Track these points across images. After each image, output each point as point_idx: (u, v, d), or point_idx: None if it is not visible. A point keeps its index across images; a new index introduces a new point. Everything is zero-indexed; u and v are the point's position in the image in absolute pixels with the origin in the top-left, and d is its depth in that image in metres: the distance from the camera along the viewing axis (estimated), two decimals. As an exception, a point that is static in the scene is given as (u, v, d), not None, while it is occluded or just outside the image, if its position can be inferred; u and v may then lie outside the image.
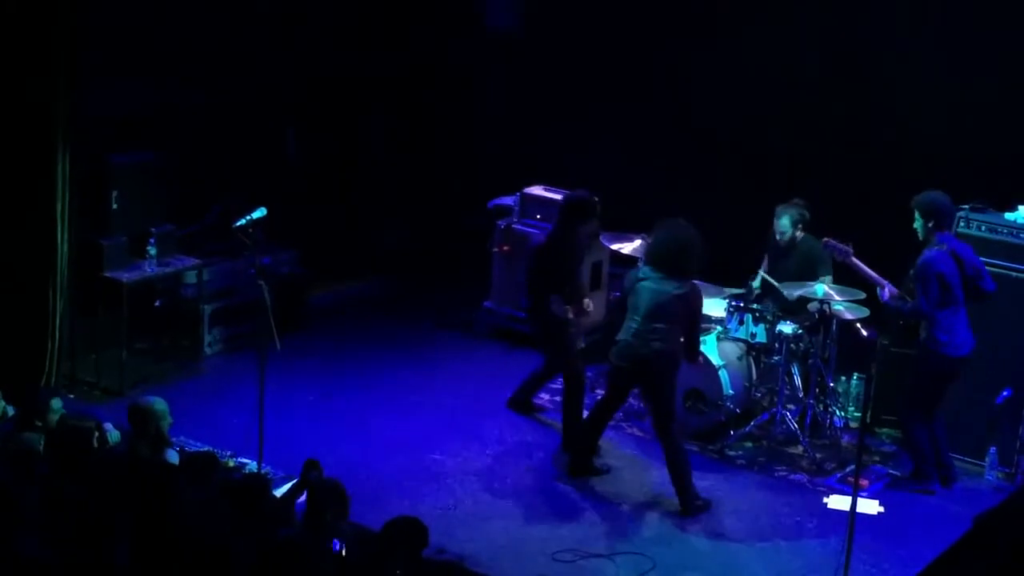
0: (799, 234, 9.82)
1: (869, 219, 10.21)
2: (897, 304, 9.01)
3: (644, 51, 11.83)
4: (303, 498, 7.05)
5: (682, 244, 8.74)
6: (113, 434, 8.07)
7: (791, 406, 9.72)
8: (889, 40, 10.72)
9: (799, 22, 11.06)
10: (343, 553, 6.58)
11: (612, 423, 9.63)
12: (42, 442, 7.58)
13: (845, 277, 9.52)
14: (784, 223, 9.80)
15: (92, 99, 9.71)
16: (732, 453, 9.65)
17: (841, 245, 9.22)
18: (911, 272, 9.13)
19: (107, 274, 9.96)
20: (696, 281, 9.40)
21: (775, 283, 9.79)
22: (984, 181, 9.77)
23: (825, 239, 9.43)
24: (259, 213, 8.79)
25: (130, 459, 7.37)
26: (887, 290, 9.04)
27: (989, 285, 9.00)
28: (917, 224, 8.93)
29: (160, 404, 7.67)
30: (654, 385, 8.91)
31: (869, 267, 9.13)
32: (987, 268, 9.08)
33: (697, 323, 8.93)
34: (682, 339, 8.79)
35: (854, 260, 9.18)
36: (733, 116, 11.41)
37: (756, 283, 10.05)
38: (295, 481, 7.55)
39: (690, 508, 8.76)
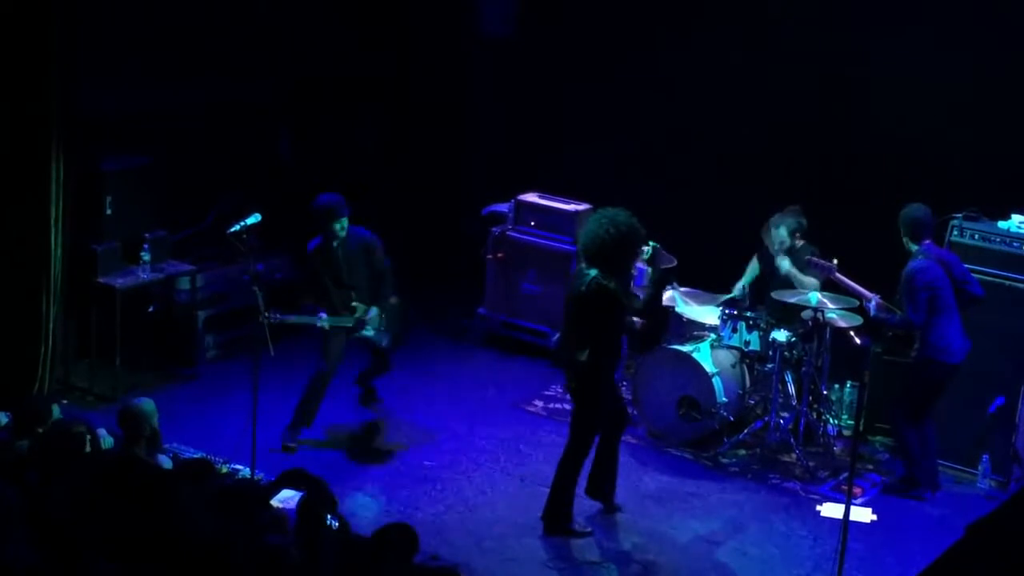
0: (798, 243, 9.81)
1: (861, 228, 10.21)
2: (885, 316, 9.03)
3: (638, 57, 11.83)
4: (294, 504, 7.04)
5: (604, 237, 8.12)
6: (107, 440, 8.06)
7: (784, 414, 9.72)
8: (882, 49, 10.72)
9: (793, 30, 11.07)
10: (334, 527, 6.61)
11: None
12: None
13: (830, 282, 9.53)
14: (782, 233, 9.77)
15: (86, 103, 9.70)
16: (725, 461, 9.66)
17: (824, 262, 9.24)
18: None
19: (100, 280, 9.95)
20: (682, 288, 9.42)
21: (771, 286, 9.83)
22: (977, 190, 9.78)
23: (807, 257, 9.45)
24: (253, 219, 8.80)
25: (125, 462, 7.35)
26: (874, 303, 9.06)
27: (977, 289, 9.02)
28: (904, 239, 9.00)
29: (149, 404, 7.68)
30: (573, 398, 8.55)
31: (859, 278, 9.16)
32: (981, 277, 9.12)
33: (596, 328, 8.19)
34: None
35: (838, 276, 9.21)
36: (727, 123, 11.40)
37: (736, 292, 10.06)
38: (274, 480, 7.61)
39: (553, 522, 8.52)
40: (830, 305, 9.35)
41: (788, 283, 9.71)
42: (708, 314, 9.95)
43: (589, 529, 8.58)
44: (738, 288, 10.11)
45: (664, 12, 11.63)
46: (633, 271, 8.62)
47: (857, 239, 9.95)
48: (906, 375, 9.19)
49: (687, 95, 11.59)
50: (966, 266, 9.09)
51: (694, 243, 10.44)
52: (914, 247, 8.92)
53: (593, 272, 8.19)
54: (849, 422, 10.08)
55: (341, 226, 9.37)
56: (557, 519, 8.51)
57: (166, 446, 8.76)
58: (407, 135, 12.99)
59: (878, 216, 9.56)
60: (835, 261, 9.23)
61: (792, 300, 9.51)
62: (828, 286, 9.46)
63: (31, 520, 6.58)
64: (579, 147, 12.13)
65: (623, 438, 9.82)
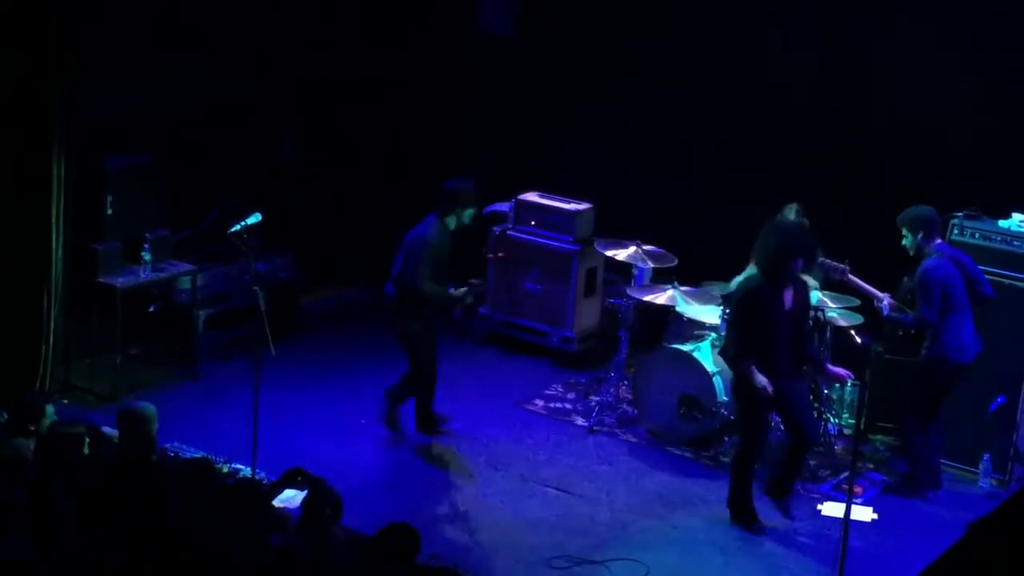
0: None
1: (863, 227, 10.21)
2: (898, 316, 9.03)
3: (639, 55, 11.83)
4: (298, 504, 7.04)
5: (766, 244, 8.57)
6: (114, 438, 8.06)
7: (785, 413, 9.71)
8: (886, 46, 10.73)
9: (797, 27, 11.07)
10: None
11: (606, 429, 9.70)
12: (32, 447, 7.57)
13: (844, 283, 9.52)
14: None
15: (87, 103, 9.71)
16: (726, 460, 9.62)
17: (837, 264, 9.23)
18: (904, 281, 9.14)
19: (101, 279, 9.94)
20: (682, 287, 9.45)
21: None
22: (978, 188, 9.78)
23: (821, 259, 9.45)
24: (254, 218, 8.79)
25: (123, 463, 7.36)
26: (886, 303, 9.05)
27: (988, 290, 9.02)
28: (906, 241, 8.96)
29: (150, 408, 7.69)
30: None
31: (865, 277, 9.15)
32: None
33: (740, 326, 8.61)
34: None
35: (851, 278, 9.19)
36: (730, 120, 11.40)
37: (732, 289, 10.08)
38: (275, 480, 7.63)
39: (734, 512, 8.83)
40: (830, 304, 9.35)
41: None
42: (709, 313, 9.95)
43: (763, 528, 8.69)
44: (735, 284, 10.10)
45: (664, 11, 11.63)
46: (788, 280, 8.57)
47: (857, 238, 9.94)
48: (916, 374, 9.15)
49: (687, 94, 11.59)
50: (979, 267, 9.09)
51: (695, 241, 10.44)
52: (926, 247, 8.89)
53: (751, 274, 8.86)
54: (850, 421, 10.06)
55: (474, 212, 9.56)
56: (736, 511, 8.78)
57: (165, 445, 8.78)
58: (408, 135, 12.97)
59: (878, 215, 9.56)
60: (847, 262, 9.22)
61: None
62: (833, 286, 9.46)
63: (32, 519, 6.58)
64: (580, 146, 12.12)
65: (624, 436, 9.85)
